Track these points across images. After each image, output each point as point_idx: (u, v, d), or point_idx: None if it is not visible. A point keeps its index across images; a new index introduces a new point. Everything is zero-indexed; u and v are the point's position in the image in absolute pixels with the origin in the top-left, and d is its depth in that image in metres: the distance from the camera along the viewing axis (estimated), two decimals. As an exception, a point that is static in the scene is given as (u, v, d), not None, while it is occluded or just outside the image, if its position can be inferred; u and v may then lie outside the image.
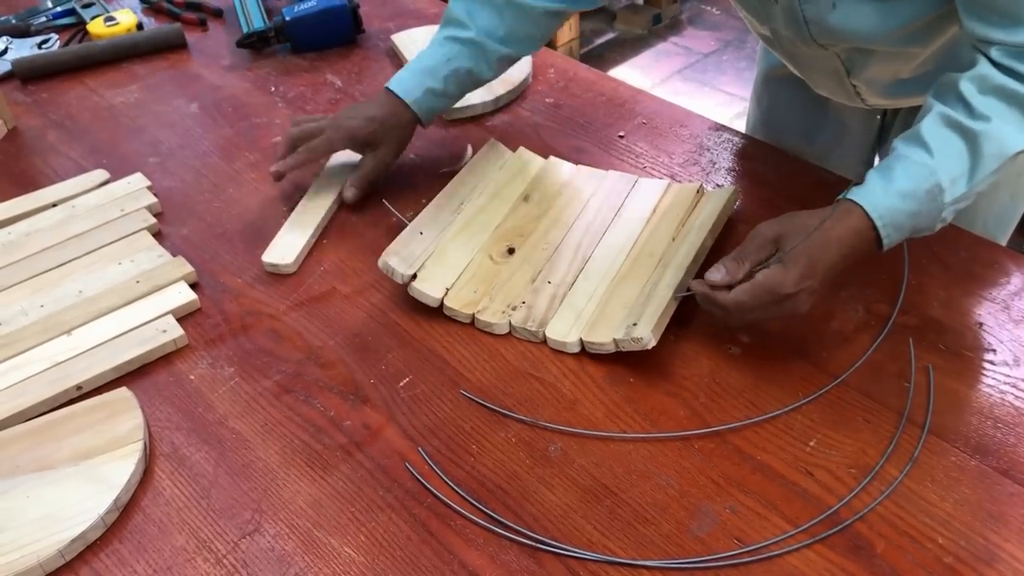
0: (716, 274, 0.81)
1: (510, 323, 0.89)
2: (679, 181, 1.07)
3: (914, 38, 0.90)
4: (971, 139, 0.76)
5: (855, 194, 0.79)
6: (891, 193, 0.78)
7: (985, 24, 0.77)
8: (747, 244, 0.82)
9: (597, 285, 0.91)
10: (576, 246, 0.96)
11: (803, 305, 0.79)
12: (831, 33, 0.90)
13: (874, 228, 0.78)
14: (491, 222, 1.00)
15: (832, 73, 1.01)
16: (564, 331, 0.87)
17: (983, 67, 0.77)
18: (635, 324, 0.82)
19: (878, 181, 0.79)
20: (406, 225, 0.97)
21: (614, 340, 0.83)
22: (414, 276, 0.92)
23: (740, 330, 0.87)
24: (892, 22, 0.87)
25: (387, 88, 1.04)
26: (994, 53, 0.77)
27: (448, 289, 0.92)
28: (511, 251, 0.96)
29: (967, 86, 0.77)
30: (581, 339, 0.85)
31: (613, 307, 0.88)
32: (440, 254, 0.95)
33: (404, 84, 1.04)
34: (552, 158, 1.09)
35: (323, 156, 1.06)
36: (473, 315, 0.90)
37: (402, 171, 1.09)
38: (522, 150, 1.09)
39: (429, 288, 0.91)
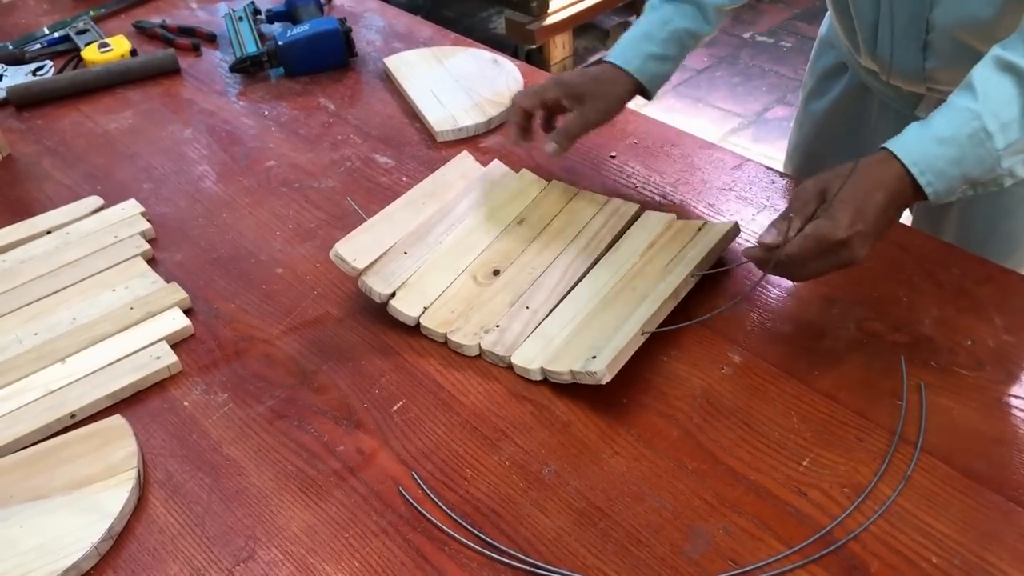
0: (767, 236, 0.80)
1: (480, 346, 0.89)
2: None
3: None
4: (1022, 80, 0.74)
5: (891, 142, 0.79)
6: (926, 139, 0.77)
7: None
8: (792, 203, 0.81)
9: (574, 314, 0.90)
10: (563, 273, 0.95)
11: (858, 251, 0.77)
12: None
13: (911, 175, 0.77)
14: (481, 243, 1.00)
15: (911, 19, 0.97)
16: (530, 358, 0.86)
17: None
18: (594, 357, 0.82)
19: (915, 128, 0.78)
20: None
21: (571, 371, 0.83)
22: (393, 295, 0.92)
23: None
24: None
25: (606, 60, 1.02)
26: None
27: (426, 308, 0.92)
28: (496, 273, 0.96)
29: None
30: (543, 367, 0.85)
31: (582, 337, 0.87)
32: (424, 273, 0.95)
33: (623, 54, 1.01)
34: (555, 181, 1.09)
35: (535, 104, 1.02)
36: (446, 335, 0.90)
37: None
38: (525, 172, 1.09)
39: (406, 307, 0.92)
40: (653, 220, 1.01)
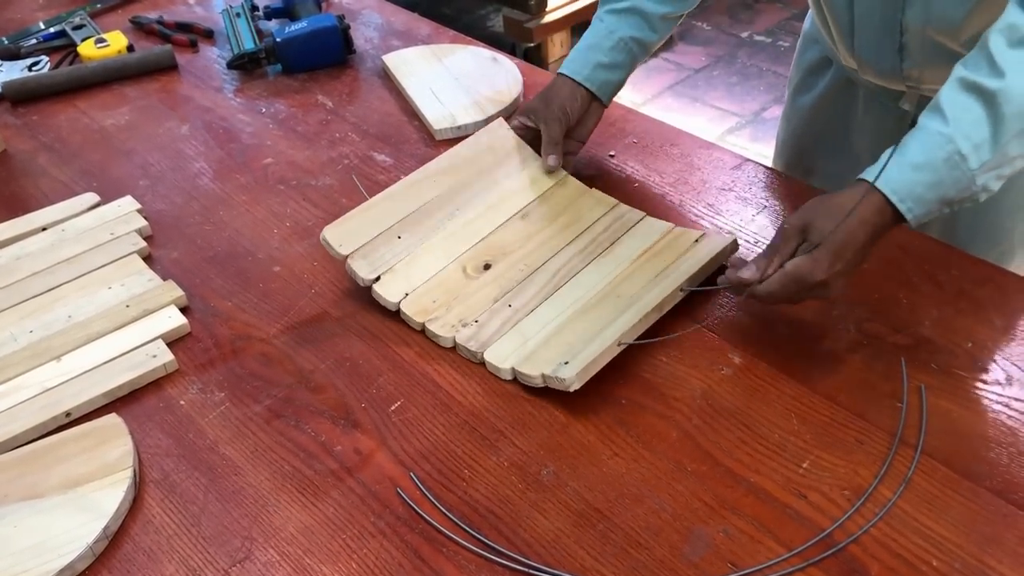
0: (747, 272, 0.82)
1: (454, 339, 0.88)
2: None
3: None
4: (989, 100, 0.75)
5: (868, 173, 0.79)
6: (903, 167, 0.77)
7: None
8: (775, 239, 0.83)
9: (555, 316, 0.89)
10: (553, 273, 0.94)
11: (836, 289, 0.80)
12: None
13: (892, 204, 0.78)
14: (479, 233, 0.99)
15: (885, 22, 0.97)
16: (502, 356, 0.86)
17: (1012, 13, 0.75)
18: (566, 363, 0.81)
19: (892, 157, 0.79)
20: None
21: (542, 375, 0.82)
22: (378, 279, 0.92)
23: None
24: None
25: (558, 73, 1.06)
26: None
27: (408, 294, 0.92)
28: (487, 267, 0.95)
29: (996, 39, 0.75)
30: (514, 367, 0.85)
31: (557, 341, 0.86)
32: (414, 259, 0.95)
33: (571, 65, 1.05)
34: (569, 176, 1.06)
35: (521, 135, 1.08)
36: (424, 324, 0.90)
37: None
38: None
39: (388, 292, 0.92)
40: (651, 227, 0.99)
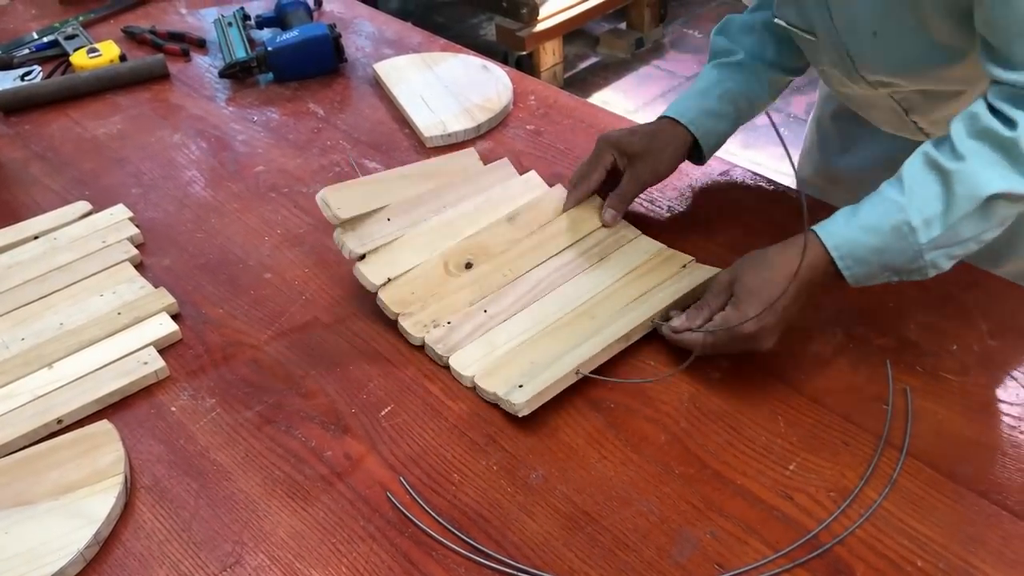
0: (676, 321, 0.86)
1: (424, 339, 0.89)
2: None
3: (960, 76, 0.88)
4: (946, 179, 0.77)
5: (817, 225, 0.81)
6: (852, 225, 0.80)
7: (989, 60, 0.78)
8: (708, 292, 0.86)
9: (526, 328, 0.89)
10: (534, 284, 0.94)
11: (766, 342, 0.81)
12: (875, 67, 0.91)
13: (831, 259, 0.79)
14: (466, 230, 0.99)
15: (891, 112, 1.01)
16: (466, 364, 0.86)
17: (977, 106, 0.78)
18: (521, 386, 0.82)
19: (843, 214, 0.81)
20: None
21: (496, 395, 0.83)
22: (363, 257, 0.93)
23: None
24: (935, 56, 0.86)
25: (663, 115, 1.03)
26: (991, 92, 0.78)
27: (390, 279, 0.92)
28: (468, 266, 0.96)
29: (957, 126, 0.78)
30: (474, 379, 0.85)
31: (522, 357, 0.86)
32: (399, 245, 0.95)
33: (678, 107, 1.02)
34: (559, 186, 1.05)
35: (595, 170, 1.01)
36: (397, 316, 0.91)
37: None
38: (532, 174, 1.07)
39: (372, 273, 0.92)
40: (643, 247, 0.99)
